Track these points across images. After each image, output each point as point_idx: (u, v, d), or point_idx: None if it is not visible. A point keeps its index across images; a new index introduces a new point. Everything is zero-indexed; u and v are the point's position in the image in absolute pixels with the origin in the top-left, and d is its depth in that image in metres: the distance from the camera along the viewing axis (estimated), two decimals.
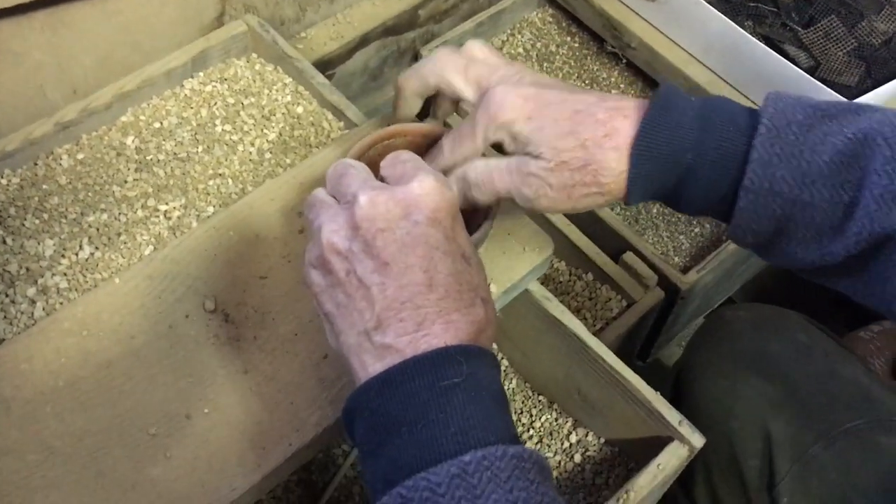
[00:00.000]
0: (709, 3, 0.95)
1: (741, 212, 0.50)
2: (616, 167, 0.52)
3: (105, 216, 0.71)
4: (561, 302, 0.92)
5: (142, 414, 0.57)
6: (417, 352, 0.44)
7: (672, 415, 0.66)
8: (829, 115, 0.50)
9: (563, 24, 1.13)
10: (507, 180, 0.55)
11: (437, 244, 0.46)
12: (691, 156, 0.51)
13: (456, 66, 0.59)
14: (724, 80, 0.98)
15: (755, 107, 0.53)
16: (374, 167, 0.54)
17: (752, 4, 0.99)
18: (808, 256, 0.51)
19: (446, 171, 0.58)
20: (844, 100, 0.54)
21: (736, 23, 0.94)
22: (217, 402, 0.58)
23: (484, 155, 0.57)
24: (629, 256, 0.91)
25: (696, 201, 0.53)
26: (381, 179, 0.51)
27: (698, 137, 0.51)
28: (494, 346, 0.84)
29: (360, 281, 0.45)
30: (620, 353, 0.93)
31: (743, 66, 0.95)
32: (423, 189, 0.46)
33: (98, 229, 0.70)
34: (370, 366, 0.45)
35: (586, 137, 0.52)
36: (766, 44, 0.94)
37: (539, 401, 0.81)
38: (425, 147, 0.62)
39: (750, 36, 0.92)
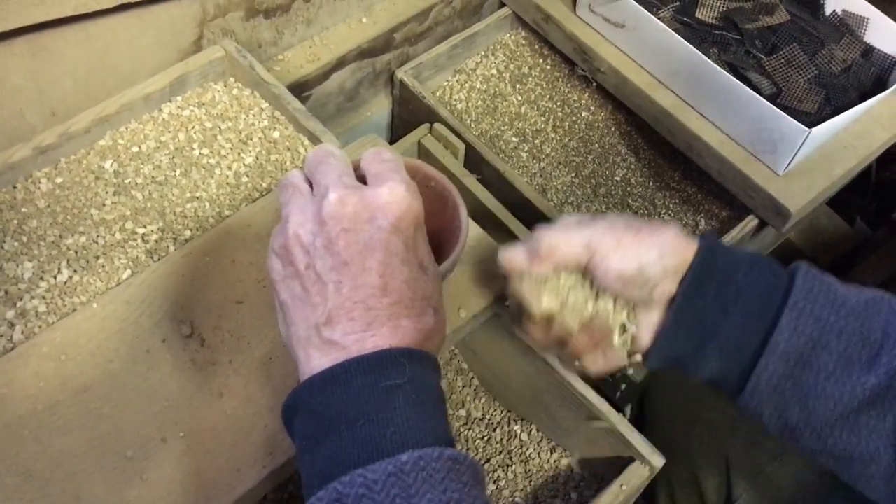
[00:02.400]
0: (675, 30, 0.98)
1: (781, 331, 0.52)
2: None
3: (83, 239, 0.73)
4: None
5: (119, 437, 0.59)
6: (363, 351, 0.45)
7: (634, 436, 0.68)
8: (848, 284, 0.55)
9: (536, 47, 1.16)
10: None
11: (396, 251, 0.47)
12: (741, 277, 0.54)
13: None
14: (689, 105, 1.01)
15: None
16: None
17: (717, 32, 1.02)
18: (836, 391, 0.52)
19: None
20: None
21: (701, 50, 0.97)
22: (192, 426, 0.60)
23: None
24: None
25: (734, 330, 0.54)
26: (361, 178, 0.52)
27: (744, 267, 0.54)
28: (465, 365, 0.87)
29: (318, 276, 0.46)
30: None
31: (707, 92, 0.98)
32: (392, 196, 0.48)
33: (76, 252, 0.72)
34: (315, 359, 0.46)
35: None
36: (730, 70, 0.98)
37: (509, 418, 0.84)
38: None
39: (713, 63, 0.95)
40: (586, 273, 0.55)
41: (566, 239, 0.54)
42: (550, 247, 0.55)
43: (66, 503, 0.56)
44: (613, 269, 0.53)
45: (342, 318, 0.46)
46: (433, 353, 0.48)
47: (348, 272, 0.46)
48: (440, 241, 0.63)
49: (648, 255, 0.53)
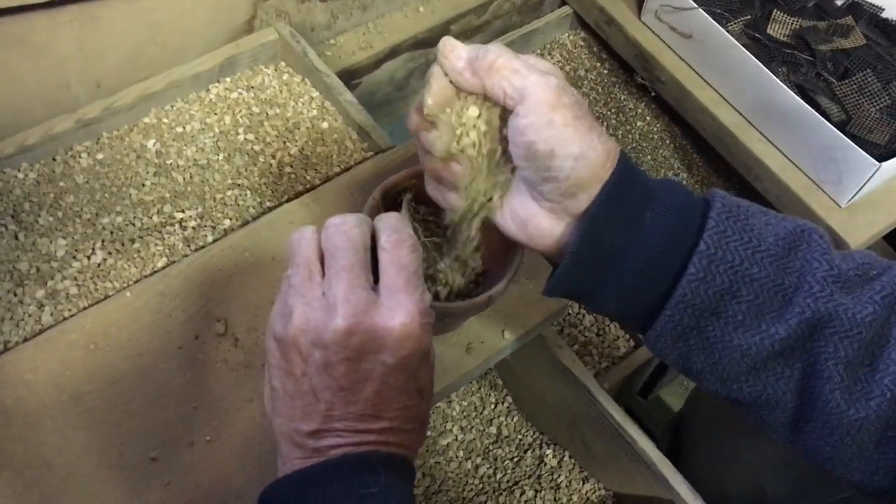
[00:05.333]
0: (744, 45, 0.94)
1: (689, 281, 0.47)
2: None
3: (120, 219, 0.70)
4: (568, 335, 0.92)
5: (144, 436, 0.57)
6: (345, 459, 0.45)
7: (676, 479, 0.65)
8: (766, 211, 0.50)
9: (594, 50, 1.12)
10: None
11: (396, 385, 0.45)
12: (649, 215, 0.48)
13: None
14: (752, 125, 0.97)
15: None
16: (397, 205, 0.54)
17: (788, 51, 0.97)
18: (744, 342, 0.47)
19: None
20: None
21: (770, 69, 0.92)
22: (220, 430, 0.58)
23: None
24: None
25: (636, 277, 0.49)
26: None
27: (654, 205, 0.48)
28: (499, 381, 0.84)
29: (313, 390, 0.45)
30: (623, 389, 0.93)
31: (773, 114, 0.94)
32: (403, 333, 0.44)
33: (112, 233, 0.69)
34: (296, 460, 0.45)
35: None
36: (799, 93, 0.93)
37: (541, 441, 0.81)
38: None
39: (782, 83, 0.91)
40: (493, 108, 0.48)
41: (514, 70, 0.46)
42: (493, 68, 0.47)
43: (84, 502, 0.54)
44: (529, 136, 0.46)
45: (330, 435, 0.45)
46: (411, 455, 0.48)
47: (342, 397, 0.44)
48: (493, 259, 0.60)
49: (568, 148, 0.46)
